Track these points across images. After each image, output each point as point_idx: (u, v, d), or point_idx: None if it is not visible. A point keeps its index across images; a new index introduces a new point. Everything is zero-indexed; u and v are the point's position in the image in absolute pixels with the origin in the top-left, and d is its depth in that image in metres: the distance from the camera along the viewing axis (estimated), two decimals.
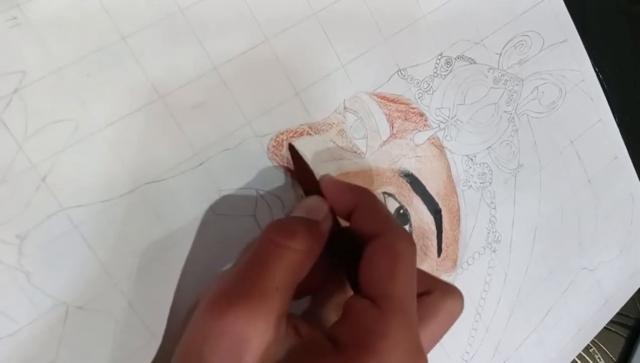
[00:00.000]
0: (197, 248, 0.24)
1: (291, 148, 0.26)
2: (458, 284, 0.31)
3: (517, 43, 0.34)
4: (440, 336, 0.22)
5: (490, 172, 0.33)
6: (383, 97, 0.29)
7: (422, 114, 0.30)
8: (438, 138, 0.31)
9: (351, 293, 0.22)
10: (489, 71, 0.33)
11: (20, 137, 0.21)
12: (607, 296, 0.38)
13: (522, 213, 0.34)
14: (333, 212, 0.23)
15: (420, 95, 0.30)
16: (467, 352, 0.32)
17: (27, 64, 0.21)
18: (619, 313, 0.39)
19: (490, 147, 0.33)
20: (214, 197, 0.25)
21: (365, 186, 0.28)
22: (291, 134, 0.26)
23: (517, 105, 0.34)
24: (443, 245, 0.31)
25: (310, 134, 0.27)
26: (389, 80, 0.29)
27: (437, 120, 0.31)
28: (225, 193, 0.25)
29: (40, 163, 0.21)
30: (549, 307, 0.35)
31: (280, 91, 0.26)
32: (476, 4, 0.32)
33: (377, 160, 0.29)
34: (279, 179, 0.26)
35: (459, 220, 0.32)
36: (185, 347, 0.19)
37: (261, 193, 0.26)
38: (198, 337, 0.18)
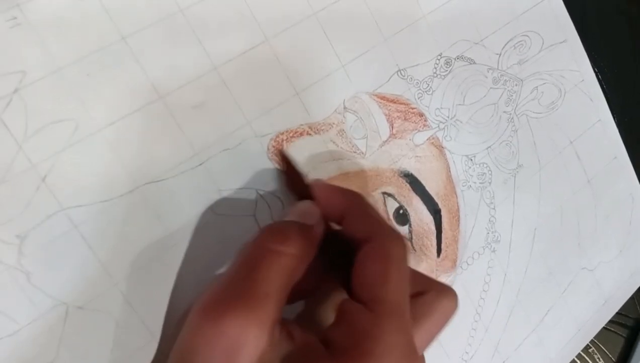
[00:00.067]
0: (197, 248, 0.24)
1: (281, 154, 0.26)
2: (457, 284, 0.31)
3: (516, 43, 0.34)
4: (436, 335, 0.22)
5: (489, 172, 0.33)
6: (383, 98, 0.29)
7: (421, 114, 0.30)
8: (437, 138, 0.31)
9: (344, 296, 0.21)
10: (488, 71, 0.33)
11: (20, 137, 0.21)
12: (607, 296, 0.38)
13: (522, 213, 0.34)
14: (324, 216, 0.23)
15: (420, 95, 0.30)
16: (466, 352, 0.32)
17: (27, 64, 0.21)
18: (618, 313, 0.39)
19: (489, 147, 0.33)
20: (214, 197, 0.25)
21: (365, 186, 0.28)
22: (291, 134, 0.26)
23: (517, 105, 0.34)
24: (442, 245, 0.31)
25: (310, 134, 0.27)
26: (388, 80, 0.29)
27: (436, 120, 0.31)
28: (225, 193, 0.25)
29: (40, 163, 0.21)
30: (548, 307, 0.35)
31: (280, 91, 0.26)
32: (476, 4, 0.32)
33: (376, 160, 0.29)
34: (279, 179, 0.26)
35: (459, 220, 0.32)
36: (180, 353, 0.19)
37: (261, 193, 0.26)
38: (192, 343, 0.18)
